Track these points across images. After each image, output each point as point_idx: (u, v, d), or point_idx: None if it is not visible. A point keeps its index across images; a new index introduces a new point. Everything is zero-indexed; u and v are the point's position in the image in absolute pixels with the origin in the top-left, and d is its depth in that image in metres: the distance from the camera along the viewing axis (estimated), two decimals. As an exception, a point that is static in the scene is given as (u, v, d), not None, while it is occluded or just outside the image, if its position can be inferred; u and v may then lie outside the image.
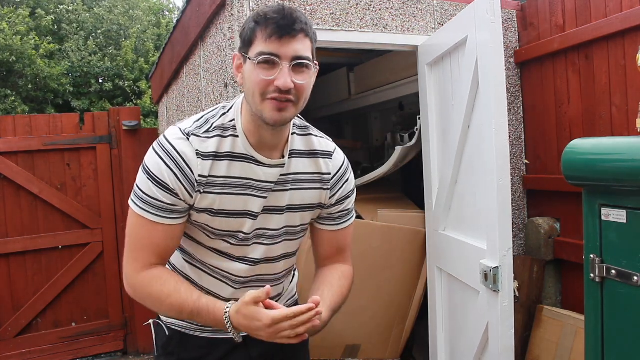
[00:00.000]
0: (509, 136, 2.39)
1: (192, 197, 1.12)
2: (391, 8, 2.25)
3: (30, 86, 7.87)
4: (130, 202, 1.13)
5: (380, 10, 2.23)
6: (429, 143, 2.26)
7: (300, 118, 1.25)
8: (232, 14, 2.02)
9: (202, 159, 1.10)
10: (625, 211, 1.22)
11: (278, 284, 1.31)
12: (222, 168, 1.13)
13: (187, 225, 1.19)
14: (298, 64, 1.04)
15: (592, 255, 1.31)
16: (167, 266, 1.25)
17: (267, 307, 1.06)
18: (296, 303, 1.43)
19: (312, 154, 1.23)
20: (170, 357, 1.30)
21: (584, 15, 2.14)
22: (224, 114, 1.16)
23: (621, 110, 1.97)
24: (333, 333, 2.36)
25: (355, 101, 3.34)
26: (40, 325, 3.55)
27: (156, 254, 1.13)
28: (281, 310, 1.05)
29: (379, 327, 2.53)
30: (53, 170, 3.58)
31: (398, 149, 2.55)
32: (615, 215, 1.25)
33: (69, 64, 8.35)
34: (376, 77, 3.04)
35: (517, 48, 2.48)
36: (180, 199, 1.11)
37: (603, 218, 1.29)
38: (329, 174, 1.25)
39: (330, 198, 1.26)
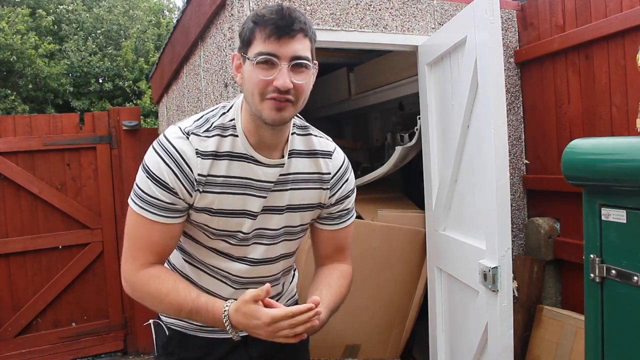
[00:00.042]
0: (509, 136, 2.40)
1: (191, 196, 1.12)
2: (391, 8, 2.25)
3: (30, 86, 7.87)
4: (129, 200, 1.14)
5: (380, 10, 2.23)
6: (429, 143, 2.26)
7: (300, 118, 1.25)
8: (232, 14, 2.02)
9: (202, 158, 1.11)
10: (625, 211, 1.22)
11: (277, 284, 1.31)
12: (222, 167, 1.13)
13: (186, 225, 1.19)
14: (297, 64, 1.05)
15: (592, 255, 1.31)
16: (166, 266, 1.25)
17: (267, 306, 1.06)
18: (296, 303, 1.43)
19: (312, 153, 1.23)
20: (170, 357, 1.30)
21: (584, 15, 2.13)
22: (223, 113, 1.16)
23: (621, 110, 1.97)
24: (333, 333, 2.36)
25: (355, 101, 3.34)
26: (40, 325, 3.55)
27: (155, 253, 1.13)
28: (281, 309, 1.05)
29: (379, 327, 2.53)
30: (53, 170, 3.58)
31: (398, 149, 2.55)
32: (615, 215, 1.25)
33: (68, 62, 8.35)
34: (376, 77, 3.04)
35: (517, 48, 2.48)
36: (180, 198, 1.11)
37: (603, 218, 1.29)
38: (329, 173, 1.25)
39: (330, 198, 1.26)
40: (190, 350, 1.29)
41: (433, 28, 2.31)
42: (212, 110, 1.18)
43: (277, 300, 1.27)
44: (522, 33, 2.49)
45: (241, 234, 1.18)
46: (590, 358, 1.34)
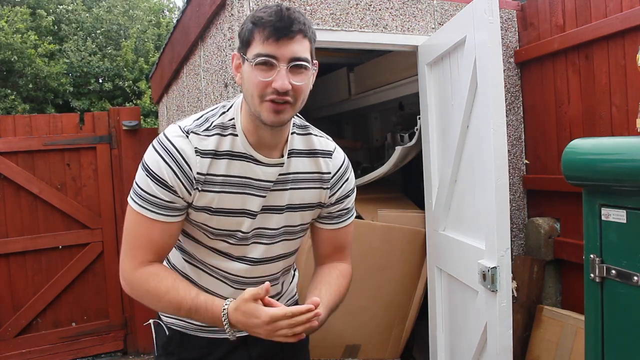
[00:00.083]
0: (509, 136, 2.40)
1: (190, 194, 1.12)
2: (391, 8, 2.25)
3: (30, 85, 7.87)
4: (129, 199, 1.14)
5: (380, 10, 2.23)
6: (429, 143, 2.26)
7: (300, 117, 1.25)
8: (232, 14, 2.02)
9: (201, 157, 1.11)
10: (625, 211, 1.22)
11: (277, 284, 1.31)
12: (222, 166, 1.13)
13: (186, 225, 1.19)
14: (295, 65, 1.05)
15: (592, 255, 1.31)
16: (166, 264, 1.25)
17: (266, 305, 1.06)
18: (296, 303, 1.43)
19: (312, 153, 1.23)
20: (170, 357, 1.30)
21: (584, 15, 2.13)
22: (223, 112, 1.16)
23: (621, 110, 1.97)
24: (333, 333, 2.36)
25: (355, 101, 3.34)
26: (40, 325, 3.55)
27: (154, 251, 1.13)
28: (280, 308, 1.05)
29: (379, 327, 2.53)
30: (53, 170, 3.58)
31: (398, 149, 2.55)
32: (615, 215, 1.25)
33: (67, 61, 8.34)
34: (376, 77, 3.04)
35: (517, 48, 2.48)
36: (179, 196, 1.11)
37: (603, 218, 1.29)
38: (329, 173, 1.25)
39: (330, 197, 1.26)
40: (190, 350, 1.29)
41: (433, 28, 2.31)
42: (212, 110, 1.18)
43: (277, 300, 1.27)
44: (522, 33, 2.49)
45: (240, 234, 1.18)
46: (590, 358, 1.34)
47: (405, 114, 3.19)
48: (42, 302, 3.53)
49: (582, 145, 1.38)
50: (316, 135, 1.25)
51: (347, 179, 1.29)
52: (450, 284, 2.16)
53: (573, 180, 1.38)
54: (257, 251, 1.22)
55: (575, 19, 2.18)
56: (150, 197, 1.10)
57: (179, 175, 1.09)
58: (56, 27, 9.07)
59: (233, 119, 1.15)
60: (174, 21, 4.48)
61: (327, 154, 1.25)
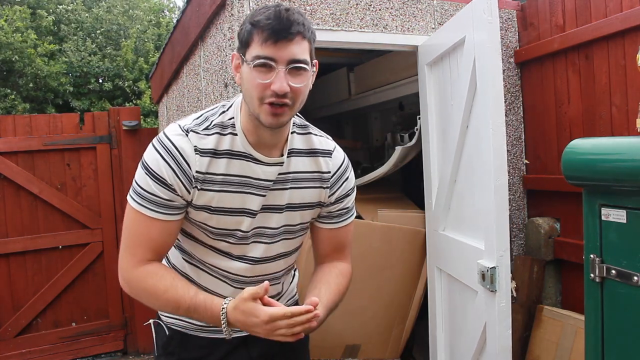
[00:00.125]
0: (509, 136, 2.40)
1: (189, 193, 1.12)
2: (391, 8, 2.25)
3: (30, 85, 7.87)
4: (128, 197, 1.14)
5: (380, 10, 2.23)
6: (429, 143, 2.26)
7: (300, 117, 1.25)
8: (232, 14, 2.02)
9: (200, 155, 1.11)
10: (625, 211, 1.22)
11: (277, 283, 1.31)
12: (221, 165, 1.13)
13: (186, 224, 1.19)
14: (294, 67, 1.04)
15: (592, 255, 1.31)
16: (165, 264, 1.25)
17: (266, 305, 1.06)
18: (296, 303, 1.43)
19: (312, 152, 1.23)
20: (170, 357, 1.30)
21: (584, 15, 2.13)
22: (223, 112, 1.16)
23: (621, 110, 1.97)
24: (333, 333, 2.36)
25: (355, 101, 3.34)
26: (40, 325, 3.55)
27: (153, 250, 1.14)
28: (279, 308, 1.05)
29: (379, 327, 2.53)
30: (53, 170, 3.58)
31: (398, 149, 2.55)
32: (615, 215, 1.25)
33: (67, 61, 8.34)
34: (376, 77, 3.04)
35: (517, 48, 2.48)
36: (178, 195, 1.11)
37: (603, 218, 1.29)
38: (329, 172, 1.25)
39: (329, 196, 1.26)
40: (190, 350, 1.29)
41: (433, 28, 2.31)
42: (212, 109, 1.18)
43: (277, 300, 1.27)
44: (522, 33, 2.49)
45: (240, 233, 1.18)
46: (590, 358, 1.34)
47: (405, 114, 3.19)
48: (42, 302, 3.53)
49: (582, 145, 1.38)
50: (316, 135, 1.25)
51: (347, 178, 1.29)
52: (450, 284, 2.16)
53: (573, 180, 1.39)
54: (257, 250, 1.22)
55: (575, 19, 2.18)
56: (150, 195, 1.10)
57: (178, 174, 1.10)
58: (56, 27, 9.06)
59: (233, 118, 1.15)
60: (174, 21, 4.48)
61: (327, 154, 1.25)
